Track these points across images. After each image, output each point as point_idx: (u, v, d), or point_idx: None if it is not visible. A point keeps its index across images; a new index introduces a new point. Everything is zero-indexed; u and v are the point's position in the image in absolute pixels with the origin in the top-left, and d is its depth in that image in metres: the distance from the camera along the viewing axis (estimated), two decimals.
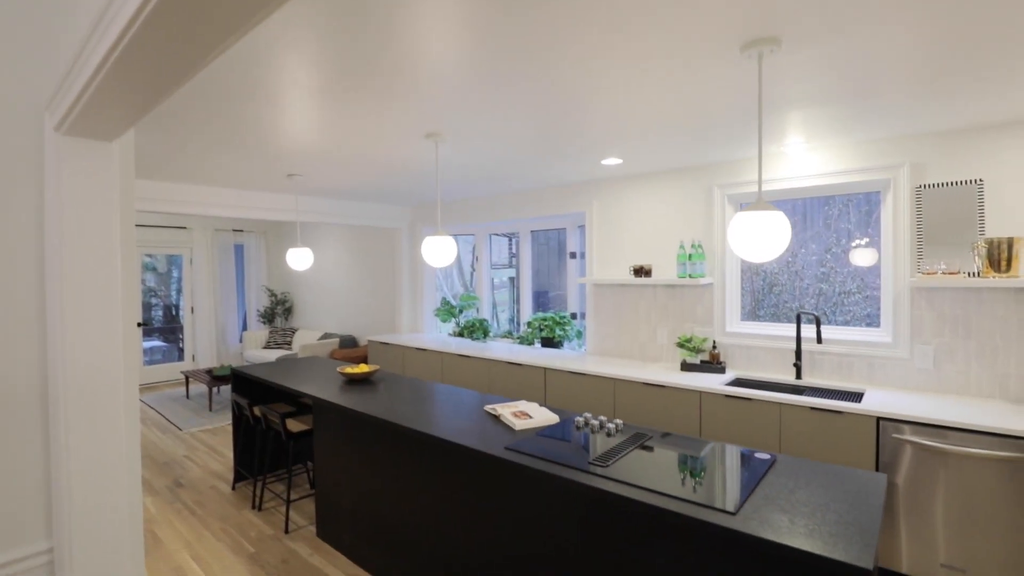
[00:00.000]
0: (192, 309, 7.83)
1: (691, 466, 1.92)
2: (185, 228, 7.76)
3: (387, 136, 2.99)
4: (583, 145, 3.26)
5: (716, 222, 3.83)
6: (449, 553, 2.35)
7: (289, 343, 7.75)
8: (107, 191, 1.61)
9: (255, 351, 7.54)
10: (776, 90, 2.28)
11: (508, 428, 2.38)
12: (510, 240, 6.77)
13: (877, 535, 1.43)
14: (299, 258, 4.12)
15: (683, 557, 1.61)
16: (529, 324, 5.15)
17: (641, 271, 4.08)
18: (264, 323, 8.39)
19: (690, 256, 3.80)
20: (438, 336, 5.90)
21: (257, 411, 3.49)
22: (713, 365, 3.64)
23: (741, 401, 3.09)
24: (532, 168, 3.94)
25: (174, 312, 8.29)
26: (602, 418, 2.42)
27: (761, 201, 1.83)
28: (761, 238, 1.78)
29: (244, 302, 8.54)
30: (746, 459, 1.97)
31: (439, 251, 2.89)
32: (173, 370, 7.74)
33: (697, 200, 3.93)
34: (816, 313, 3.29)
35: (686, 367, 3.71)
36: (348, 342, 6.84)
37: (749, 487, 1.72)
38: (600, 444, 2.15)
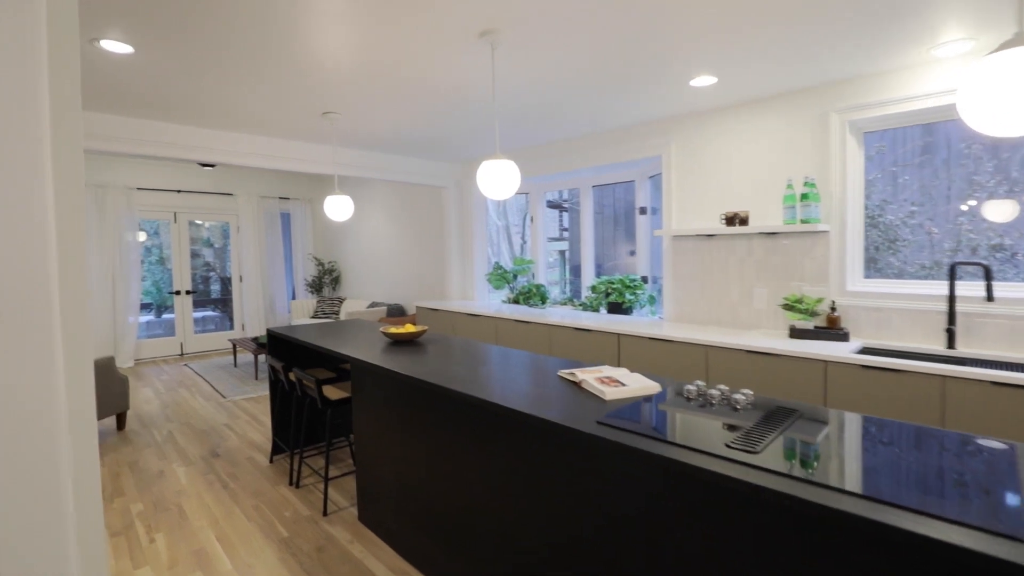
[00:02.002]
0: (240, 278, 7.66)
1: (902, 459, 1.31)
2: (231, 195, 7.56)
3: (434, 42, 2.44)
4: (668, 58, 2.60)
5: (834, 156, 3.09)
6: (517, 550, 1.84)
7: (336, 312, 7.48)
8: (24, 48, 1.13)
9: (303, 320, 7.31)
10: None
11: (595, 398, 1.82)
12: (560, 213, 6.19)
13: None
14: (338, 207, 3.67)
15: None
16: (593, 288, 4.56)
17: (735, 219, 3.40)
18: (312, 293, 8.16)
19: (804, 196, 3.08)
20: (491, 303, 5.40)
21: (292, 376, 3.09)
22: (832, 331, 2.95)
23: (884, 373, 2.41)
24: (596, 101, 3.30)
25: (222, 281, 8.18)
26: (722, 387, 1.83)
27: None
28: None
29: (292, 271, 8.33)
30: (978, 449, 1.34)
31: (499, 178, 2.33)
32: (223, 339, 7.63)
33: (808, 131, 3.19)
34: (984, 262, 2.54)
35: (797, 333, 3.03)
36: (396, 311, 6.45)
37: None
38: (730, 420, 1.56)
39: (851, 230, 3.11)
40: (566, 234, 6.31)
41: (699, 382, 1.86)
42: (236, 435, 4.08)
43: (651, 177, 4.48)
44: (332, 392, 2.97)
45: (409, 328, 3.03)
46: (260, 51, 2.54)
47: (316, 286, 8.08)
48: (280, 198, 8.02)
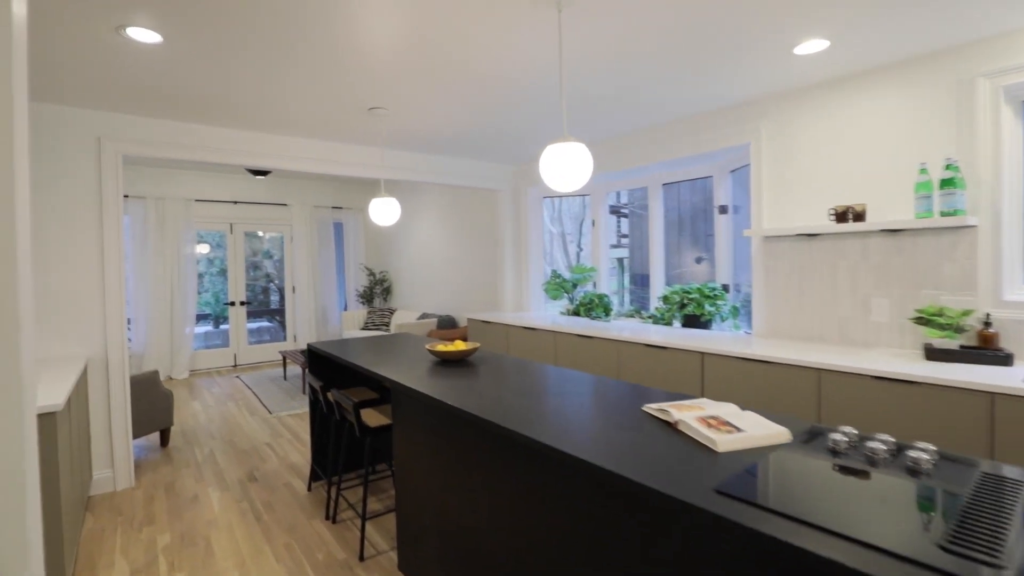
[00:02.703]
0: (293, 289, 7.60)
1: None
2: (286, 205, 7.53)
3: (493, 13, 2.05)
4: (768, 19, 2.09)
5: (983, 131, 2.46)
6: None
7: (387, 324, 7.26)
8: None
9: (353, 332, 7.13)
10: None
11: (699, 446, 1.34)
12: (619, 217, 5.73)
13: None
14: (383, 210, 3.35)
15: None
16: (665, 299, 4.03)
17: (847, 214, 2.80)
18: (363, 303, 8.01)
19: (945, 183, 2.46)
20: (548, 314, 4.96)
21: (331, 397, 2.76)
22: (988, 352, 2.30)
23: None
24: (674, 82, 2.81)
25: (280, 292, 8.18)
26: (884, 437, 1.30)
27: None
28: None
29: (344, 282, 8.23)
30: None
31: (568, 165, 1.89)
32: (276, 350, 7.57)
33: (947, 102, 2.57)
34: None
35: (935, 355, 2.41)
36: (446, 322, 6.13)
37: None
38: (922, 494, 1.04)
39: (1008, 224, 2.46)
40: (624, 240, 5.82)
41: (848, 429, 1.35)
42: (276, 456, 3.82)
43: (733, 171, 3.92)
44: (372, 417, 2.61)
45: (459, 346, 2.64)
46: (299, 39, 2.25)
47: (367, 297, 7.92)
48: (333, 207, 7.93)
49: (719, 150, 3.60)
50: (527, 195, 5.20)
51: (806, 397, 2.53)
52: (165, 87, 2.86)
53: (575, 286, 4.87)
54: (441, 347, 2.62)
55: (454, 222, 6.44)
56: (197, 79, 2.76)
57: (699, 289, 3.80)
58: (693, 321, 3.80)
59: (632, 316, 4.48)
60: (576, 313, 4.71)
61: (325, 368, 3.39)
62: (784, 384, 2.61)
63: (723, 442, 1.30)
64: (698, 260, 4.57)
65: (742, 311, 3.81)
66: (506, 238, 5.32)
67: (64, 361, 2.91)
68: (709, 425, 1.40)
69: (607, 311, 4.51)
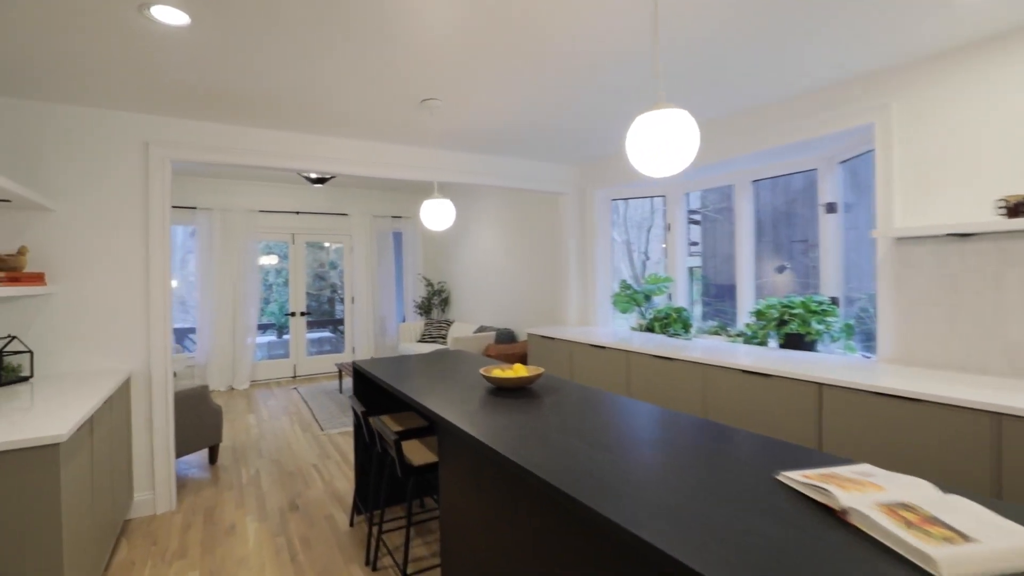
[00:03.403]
0: (352, 299, 7.49)
1: None
2: (346, 215, 7.46)
3: None
4: None
5: None
6: None
7: (444, 337, 6.97)
8: None
9: (409, 344, 6.89)
10: None
11: (895, 558, 0.84)
12: (688, 224, 5.14)
13: None
14: (435, 213, 3.00)
15: None
16: (759, 314, 3.43)
17: (1021, 208, 2.15)
18: (420, 314, 7.78)
19: None
20: (617, 330, 4.45)
21: (373, 424, 2.41)
22: None
23: None
24: (778, 49, 2.28)
25: (339, 303, 8.13)
26: None
27: None
28: None
29: (402, 293, 8.05)
30: None
31: (664, 139, 1.42)
32: (332, 362, 7.47)
33: None
34: None
35: None
36: (505, 336, 5.73)
37: None
38: None
39: None
40: (693, 248, 5.23)
41: None
42: (322, 480, 3.54)
43: (844, 162, 3.29)
44: (417, 452, 2.23)
45: (518, 371, 2.21)
46: (341, 18, 1.94)
47: (425, 308, 7.68)
48: (392, 217, 7.79)
49: (828, 136, 3.00)
50: (593, 198, 4.74)
51: (979, 455, 1.90)
52: (200, 81, 2.65)
53: (647, 298, 4.34)
54: (498, 372, 2.21)
55: (513, 229, 6.06)
56: (230, 69, 2.52)
57: (803, 303, 3.18)
58: (795, 341, 3.19)
59: (716, 333, 3.90)
60: (649, 329, 4.18)
61: (372, 388, 3.07)
62: (941, 434, 1.99)
63: (949, 563, 0.79)
64: (779, 269, 3.93)
65: (856, 329, 3.15)
66: (570, 245, 4.87)
67: (102, 376, 2.75)
68: (908, 524, 0.89)
69: (686, 327, 3.95)
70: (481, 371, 2.29)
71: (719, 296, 4.49)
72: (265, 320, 8.23)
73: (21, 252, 2.62)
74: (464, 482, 1.77)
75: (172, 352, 6.49)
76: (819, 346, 3.20)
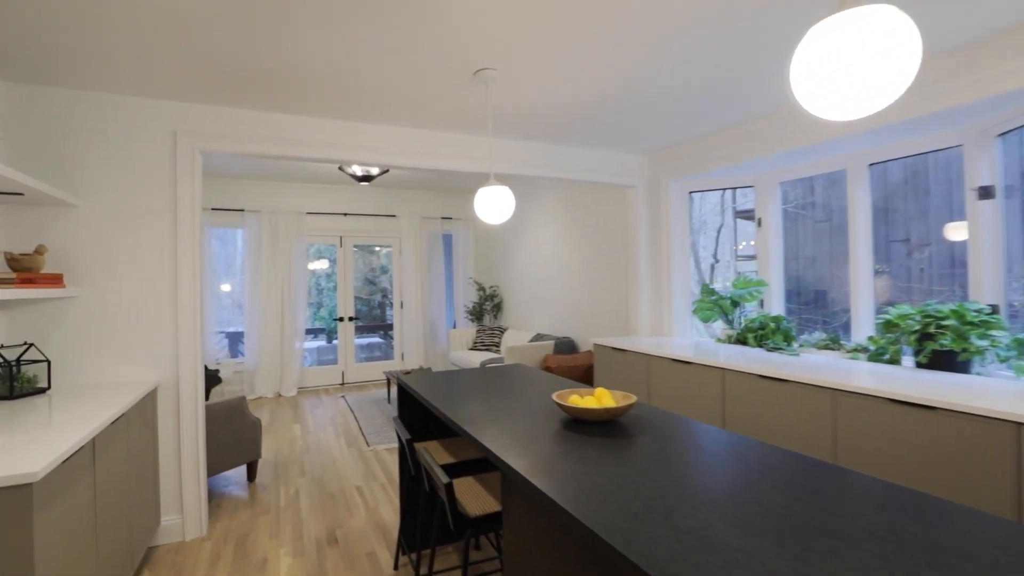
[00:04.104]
0: (402, 304, 7.19)
1: None
2: (394, 216, 7.18)
3: None
4: None
5: None
6: None
7: (497, 345, 6.54)
8: None
9: (460, 352, 6.50)
10: None
11: None
12: (759, 223, 4.49)
13: None
14: (492, 202, 2.54)
15: None
16: (889, 326, 2.77)
17: None
18: (472, 320, 7.39)
19: None
20: (699, 341, 3.86)
21: (421, 458, 1.98)
22: None
23: None
24: None
25: (389, 307, 7.88)
26: None
27: None
28: None
29: (452, 297, 7.69)
30: None
31: (866, 45, 0.90)
32: (380, 369, 7.19)
33: None
34: None
35: None
36: (565, 346, 5.23)
37: None
38: None
39: None
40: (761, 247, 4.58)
41: None
42: (366, 506, 3.15)
43: (1003, 135, 2.60)
44: (473, 496, 1.77)
45: (602, 399, 1.71)
46: None
47: (477, 314, 7.28)
48: (442, 218, 7.46)
49: (979, 101, 2.34)
50: (668, 190, 4.17)
51: None
52: (231, 61, 2.31)
53: (735, 305, 3.73)
54: (576, 400, 1.72)
55: (573, 228, 5.55)
56: (263, 46, 2.16)
57: (955, 311, 2.52)
58: (944, 360, 2.52)
59: (828, 347, 3.24)
60: (741, 341, 3.56)
61: (420, 406, 2.64)
62: None
63: None
64: (880, 271, 3.25)
65: None
66: (640, 245, 4.32)
67: (125, 388, 2.45)
68: None
69: (788, 339, 3.32)
70: (554, 397, 1.80)
71: (809, 303, 3.84)
72: (314, 325, 8.08)
73: (39, 251, 2.36)
74: (536, 545, 1.29)
75: (220, 356, 6.39)
76: (975, 367, 2.52)
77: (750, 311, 3.76)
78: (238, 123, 2.94)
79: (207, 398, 5.24)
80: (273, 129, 3.02)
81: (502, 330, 6.64)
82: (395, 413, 5.26)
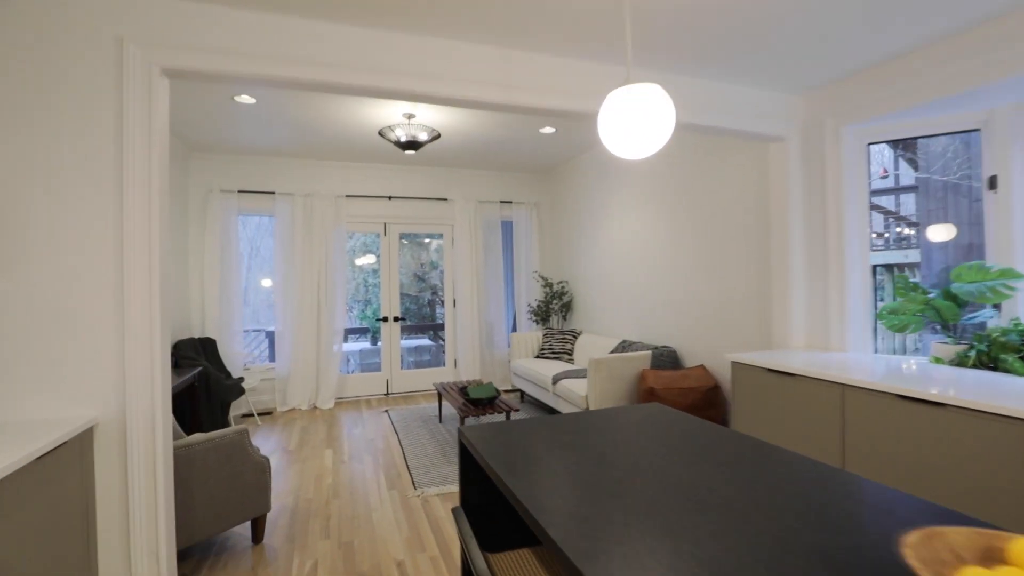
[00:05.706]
0: (454, 302, 6.19)
1: None
2: (445, 200, 6.18)
3: None
4: None
5: None
6: None
7: (569, 352, 5.41)
8: None
9: (525, 361, 5.41)
10: None
11: None
12: (898, 196, 3.36)
13: None
14: (634, 114, 1.43)
15: None
16: None
17: None
18: (536, 322, 6.28)
19: None
20: (895, 361, 2.59)
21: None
22: None
23: None
24: None
25: (440, 305, 6.92)
26: None
27: None
28: None
29: (512, 295, 6.62)
30: None
31: None
32: (430, 379, 6.20)
33: None
34: None
35: None
36: (666, 360, 4.04)
37: None
38: None
39: None
40: (900, 233, 3.39)
41: None
42: None
43: None
44: None
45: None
46: None
47: (542, 314, 6.17)
48: (501, 202, 6.39)
49: None
50: (839, 139, 2.91)
51: None
52: None
53: (962, 306, 2.44)
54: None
55: (675, 207, 4.34)
56: None
57: None
58: None
59: None
60: (980, 363, 2.28)
61: (477, 476, 1.56)
62: None
63: None
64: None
65: None
66: (792, 222, 3.08)
67: (36, 429, 1.49)
68: None
69: None
70: (912, 563, 0.66)
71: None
72: (358, 324, 7.22)
73: None
74: None
75: (248, 360, 5.56)
76: None
77: (983, 317, 2.46)
78: (221, 27, 1.95)
79: (225, 415, 4.39)
80: (264, 37, 2.01)
81: (575, 335, 5.50)
82: (447, 438, 4.23)
